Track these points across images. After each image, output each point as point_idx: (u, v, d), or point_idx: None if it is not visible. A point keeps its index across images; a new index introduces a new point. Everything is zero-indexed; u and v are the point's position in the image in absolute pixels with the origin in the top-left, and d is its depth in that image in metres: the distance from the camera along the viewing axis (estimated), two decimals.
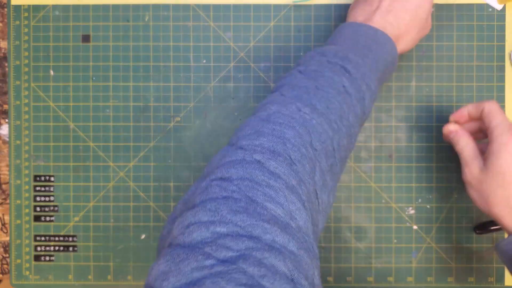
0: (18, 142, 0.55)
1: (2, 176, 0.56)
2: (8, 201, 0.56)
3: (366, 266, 0.55)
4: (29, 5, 0.55)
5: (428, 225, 0.55)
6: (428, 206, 0.55)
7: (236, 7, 0.55)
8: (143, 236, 0.56)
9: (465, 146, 0.45)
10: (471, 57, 0.55)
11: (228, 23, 0.55)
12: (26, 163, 0.55)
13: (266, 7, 0.55)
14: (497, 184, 0.40)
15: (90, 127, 0.55)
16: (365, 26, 0.42)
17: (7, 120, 0.56)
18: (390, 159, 0.55)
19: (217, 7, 0.55)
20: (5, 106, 0.56)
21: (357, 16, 0.45)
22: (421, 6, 0.44)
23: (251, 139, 0.31)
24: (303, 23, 0.55)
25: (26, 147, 0.55)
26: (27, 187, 0.56)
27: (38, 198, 0.56)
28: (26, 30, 0.55)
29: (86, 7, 0.55)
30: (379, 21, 0.42)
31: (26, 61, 0.55)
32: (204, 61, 0.55)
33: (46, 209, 0.56)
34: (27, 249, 0.56)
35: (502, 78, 0.55)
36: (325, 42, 0.45)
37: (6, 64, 0.56)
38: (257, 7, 0.55)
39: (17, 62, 0.55)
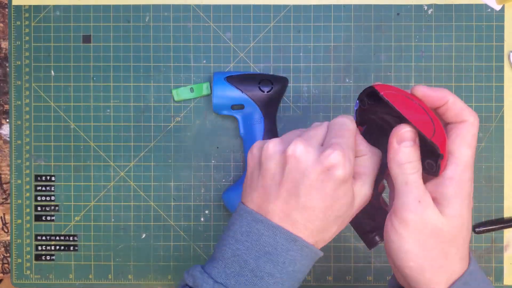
0: (19, 142, 0.56)
1: (3, 175, 0.57)
2: (9, 200, 0.56)
3: (366, 265, 0.55)
4: (30, 6, 0.55)
5: None
6: None
7: (236, 7, 0.55)
8: (143, 236, 0.56)
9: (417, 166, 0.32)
10: (469, 57, 0.55)
11: (228, 23, 0.55)
12: (27, 163, 0.56)
13: (266, 7, 0.55)
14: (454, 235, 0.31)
15: (90, 127, 0.56)
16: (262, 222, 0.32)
17: (8, 120, 0.56)
18: None
19: (217, 7, 0.55)
20: (6, 106, 0.56)
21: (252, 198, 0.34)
22: (338, 200, 0.31)
23: None
24: (303, 23, 0.55)
25: (27, 147, 0.56)
26: (28, 186, 0.56)
27: (39, 198, 0.56)
28: (27, 30, 0.55)
29: (87, 8, 0.55)
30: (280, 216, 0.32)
31: (27, 61, 0.56)
32: (204, 61, 0.55)
33: (47, 208, 0.56)
34: (28, 248, 0.56)
35: (501, 78, 0.55)
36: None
37: (7, 64, 0.56)
38: (257, 7, 0.55)
39: (18, 62, 0.56)
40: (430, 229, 0.30)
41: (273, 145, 0.33)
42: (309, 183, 0.31)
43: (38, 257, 0.56)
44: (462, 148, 0.30)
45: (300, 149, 0.31)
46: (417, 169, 0.31)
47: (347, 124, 0.33)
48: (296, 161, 0.31)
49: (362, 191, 0.33)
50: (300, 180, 0.31)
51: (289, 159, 0.31)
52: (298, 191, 0.31)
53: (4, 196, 0.57)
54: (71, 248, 0.56)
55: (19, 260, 0.56)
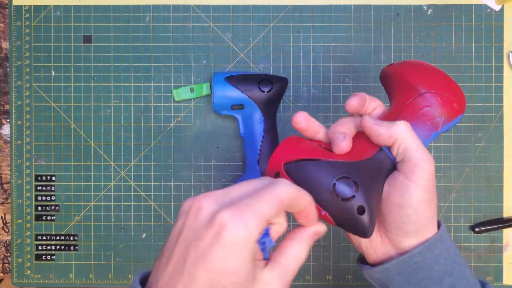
0: (19, 142, 0.56)
1: (3, 175, 0.57)
2: (9, 200, 0.57)
3: None
4: (30, 6, 0.55)
5: None
6: None
7: (236, 8, 0.55)
8: (144, 235, 0.56)
9: None
10: (469, 57, 0.55)
11: (228, 24, 0.55)
12: (28, 163, 0.56)
13: (266, 8, 0.55)
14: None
15: (91, 127, 0.56)
16: None
17: (8, 120, 0.56)
18: None
19: (217, 8, 0.55)
20: (7, 106, 0.56)
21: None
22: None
23: None
24: (303, 24, 0.55)
25: (28, 147, 0.56)
26: (28, 186, 0.56)
27: (39, 198, 0.56)
28: (27, 30, 0.56)
29: (87, 8, 0.55)
30: None
31: (28, 62, 0.56)
32: (204, 61, 0.56)
33: (47, 208, 0.56)
34: (29, 248, 0.56)
35: (500, 79, 0.55)
36: None
37: (8, 64, 0.56)
38: (256, 8, 0.55)
39: (19, 63, 0.56)
40: (432, 175, 0.33)
41: (187, 203, 0.28)
42: (200, 247, 0.25)
43: (38, 257, 0.56)
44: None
45: (198, 206, 0.27)
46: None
47: (281, 191, 0.26)
48: (193, 220, 0.26)
49: (271, 282, 0.27)
50: (192, 244, 0.26)
51: (187, 218, 0.27)
52: (186, 257, 0.25)
53: (5, 196, 0.57)
54: (72, 247, 0.56)
55: (20, 260, 0.56)
